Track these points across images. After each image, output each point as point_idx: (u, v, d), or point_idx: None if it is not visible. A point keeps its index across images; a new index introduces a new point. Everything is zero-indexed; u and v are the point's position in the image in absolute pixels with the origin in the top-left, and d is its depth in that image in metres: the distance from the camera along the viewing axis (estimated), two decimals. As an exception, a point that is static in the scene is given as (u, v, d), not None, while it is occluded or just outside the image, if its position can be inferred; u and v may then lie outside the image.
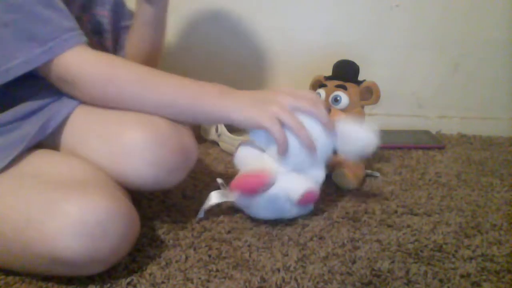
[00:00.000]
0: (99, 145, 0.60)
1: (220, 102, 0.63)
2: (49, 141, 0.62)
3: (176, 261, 0.60)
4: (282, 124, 0.63)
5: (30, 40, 0.57)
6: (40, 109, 0.63)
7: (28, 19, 0.57)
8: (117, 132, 0.60)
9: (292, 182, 0.66)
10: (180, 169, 0.63)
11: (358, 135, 0.66)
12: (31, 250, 0.51)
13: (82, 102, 0.63)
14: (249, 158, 0.70)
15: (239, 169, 0.70)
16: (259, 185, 0.64)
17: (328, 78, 0.88)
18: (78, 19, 0.71)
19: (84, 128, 0.63)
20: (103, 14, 0.79)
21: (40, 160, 0.59)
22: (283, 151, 0.64)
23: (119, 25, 0.85)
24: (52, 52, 0.58)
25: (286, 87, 0.68)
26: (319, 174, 0.69)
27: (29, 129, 0.60)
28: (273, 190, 0.65)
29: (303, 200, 0.66)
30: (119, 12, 0.85)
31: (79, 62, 0.60)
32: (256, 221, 0.71)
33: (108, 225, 0.51)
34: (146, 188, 0.63)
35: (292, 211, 0.69)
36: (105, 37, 0.81)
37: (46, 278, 0.56)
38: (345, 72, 0.87)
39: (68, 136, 0.63)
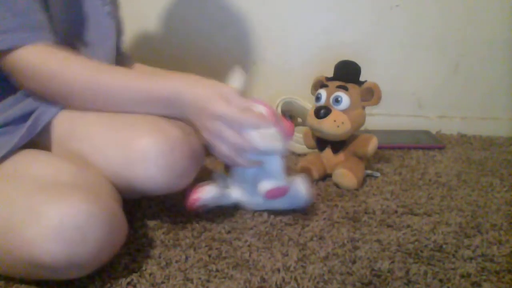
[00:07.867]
0: (111, 151, 0.60)
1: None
2: (40, 140, 0.62)
3: (176, 261, 0.60)
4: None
5: None
6: (29, 113, 0.62)
7: None
8: (130, 138, 0.60)
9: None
10: (189, 172, 0.64)
11: (299, 194, 0.72)
12: (11, 254, 0.50)
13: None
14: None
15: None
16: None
17: (329, 79, 0.88)
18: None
19: (87, 130, 0.63)
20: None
21: (27, 161, 0.59)
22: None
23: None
24: None
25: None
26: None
27: (17, 133, 0.60)
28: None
29: (270, 195, 0.67)
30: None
31: (23, 58, 0.60)
32: (256, 221, 0.71)
33: (87, 229, 0.49)
34: (158, 192, 0.64)
35: (281, 203, 0.72)
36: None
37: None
38: (347, 73, 0.86)
39: (63, 136, 0.63)
